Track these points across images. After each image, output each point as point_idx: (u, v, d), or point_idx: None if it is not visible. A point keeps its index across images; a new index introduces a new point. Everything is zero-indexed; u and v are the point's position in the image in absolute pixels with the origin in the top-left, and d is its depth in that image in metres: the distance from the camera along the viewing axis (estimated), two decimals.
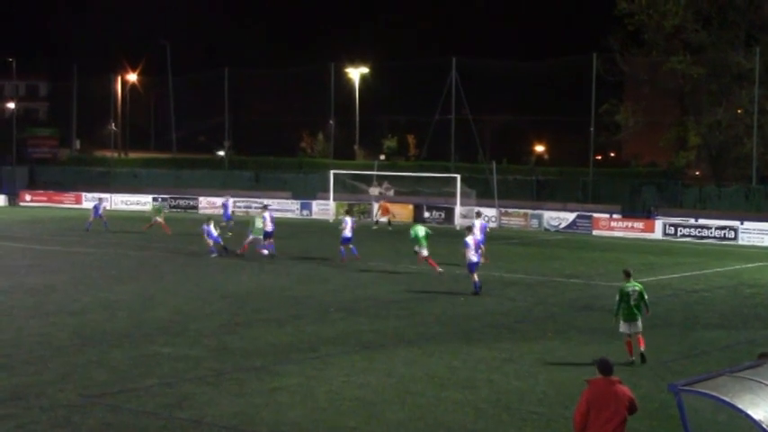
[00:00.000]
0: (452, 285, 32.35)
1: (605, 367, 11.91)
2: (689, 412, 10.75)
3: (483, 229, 38.35)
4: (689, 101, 71.10)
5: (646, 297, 20.92)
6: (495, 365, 20.22)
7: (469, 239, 30.96)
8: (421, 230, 35.44)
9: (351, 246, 38.62)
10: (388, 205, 58.48)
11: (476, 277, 30.57)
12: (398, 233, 49.13)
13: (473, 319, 26.17)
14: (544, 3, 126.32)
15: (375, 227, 55.65)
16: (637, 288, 20.72)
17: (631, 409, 11.75)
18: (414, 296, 30.14)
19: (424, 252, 35.15)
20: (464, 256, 30.91)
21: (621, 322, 20.63)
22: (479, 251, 31.43)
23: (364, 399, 17.28)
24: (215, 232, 40.04)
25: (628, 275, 21.02)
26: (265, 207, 42.80)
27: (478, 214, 41.97)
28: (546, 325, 25.35)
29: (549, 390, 18.17)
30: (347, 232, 38.50)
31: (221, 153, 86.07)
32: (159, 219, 50.19)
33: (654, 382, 18.55)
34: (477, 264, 30.81)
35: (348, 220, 39.08)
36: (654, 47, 68.66)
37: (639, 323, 20.58)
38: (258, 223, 39.49)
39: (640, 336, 20.60)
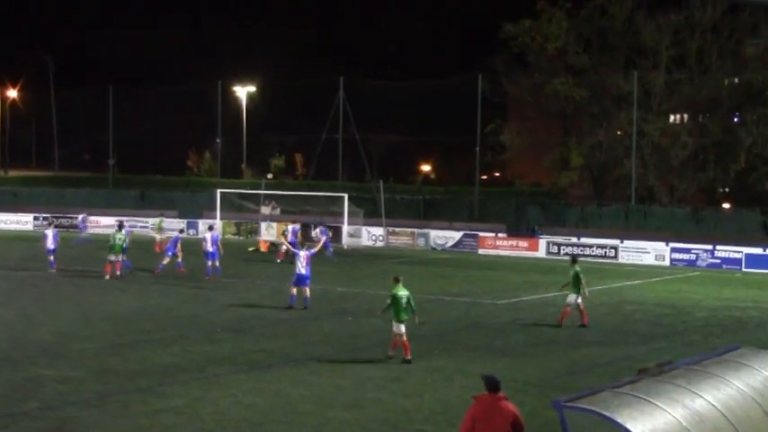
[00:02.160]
0: (340, 304, 32.35)
1: (492, 384, 12.04)
2: (572, 427, 10.97)
3: (215, 240, 39.12)
4: (571, 122, 72.79)
5: (413, 304, 22.91)
6: (383, 384, 20.28)
7: (302, 253, 31.11)
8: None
9: (216, 263, 38.56)
10: (267, 244, 56.87)
11: (307, 292, 30.66)
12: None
13: (360, 337, 26.21)
14: (431, 24, 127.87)
15: (251, 248, 54.84)
16: (405, 294, 22.80)
17: (516, 425, 11.86)
18: (301, 315, 30.04)
19: None
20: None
21: (394, 322, 22.71)
22: (309, 265, 31.30)
23: (251, 419, 17.14)
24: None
25: (397, 281, 23.24)
26: (121, 225, 42.10)
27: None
28: (433, 343, 25.52)
29: (436, 407, 18.30)
30: (209, 247, 38.55)
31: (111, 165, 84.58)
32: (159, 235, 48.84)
33: (538, 398, 18.83)
34: (307, 277, 30.84)
35: (208, 236, 39.47)
36: (537, 69, 70.14)
37: (404, 327, 22.61)
38: (115, 240, 38.89)
39: (406, 341, 22.64)
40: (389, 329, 22.82)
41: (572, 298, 28.95)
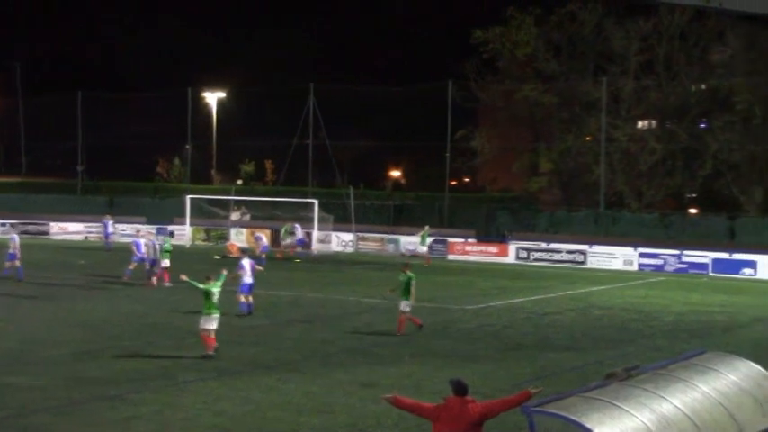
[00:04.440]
0: (309, 311, 32.35)
1: (459, 388, 12.12)
2: None
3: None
4: (541, 128, 73.11)
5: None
6: (352, 390, 20.30)
7: (245, 262, 31.38)
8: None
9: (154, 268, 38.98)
10: (236, 247, 56.98)
11: (250, 299, 31.01)
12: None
13: (330, 343, 26.22)
14: (402, 30, 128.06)
15: (217, 257, 54.51)
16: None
17: (483, 418, 11.95)
18: (271, 322, 30.01)
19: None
20: (239, 278, 31.00)
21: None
22: (254, 273, 31.65)
23: (221, 426, 17.12)
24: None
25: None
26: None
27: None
28: (402, 349, 25.57)
29: (405, 413, 18.31)
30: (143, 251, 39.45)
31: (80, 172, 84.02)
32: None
33: None
34: (253, 285, 31.16)
35: (141, 242, 40.05)
36: (507, 75, 70.45)
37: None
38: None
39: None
40: (359, 335, 22.85)
41: (403, 304, 27.99)
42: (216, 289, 24.32)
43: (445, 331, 29.22)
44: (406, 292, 27.93)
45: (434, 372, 22.39)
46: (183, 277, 25.87)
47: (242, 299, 30.88)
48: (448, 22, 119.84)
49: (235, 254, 53.16)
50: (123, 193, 76.29)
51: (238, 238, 61.04)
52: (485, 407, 12.05)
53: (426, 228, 54.81)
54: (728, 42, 62.02)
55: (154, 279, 38.69)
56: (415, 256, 52.84)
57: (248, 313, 30.63)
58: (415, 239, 55.62)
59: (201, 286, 24.24)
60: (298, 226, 55.48)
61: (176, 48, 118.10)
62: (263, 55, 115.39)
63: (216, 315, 24.04)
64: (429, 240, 54.60)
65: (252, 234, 58.52)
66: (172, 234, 52.19)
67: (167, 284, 37.80)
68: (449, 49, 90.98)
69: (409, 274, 28.12)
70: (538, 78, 69.75)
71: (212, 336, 23.82)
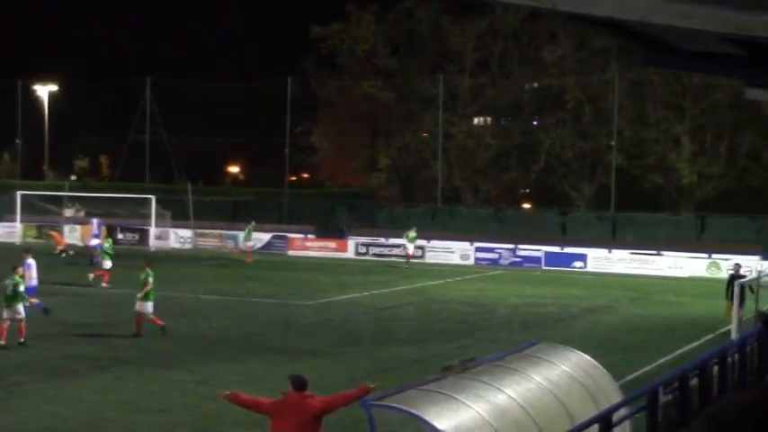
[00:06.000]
0: None
1: (298, 382, 12.14)
2: (380, 426, 11.15)
3: None
4: (380, 124, 73.62)
5: None
6: (191, 388, 20.07)
7: (31, 261, 30.88)
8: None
9: None
10: (56, 234, 55.75)
11: (35, 301, 29.39)
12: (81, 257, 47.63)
13: (169, 341, 25.84)
14: (241, 26, 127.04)
15: (63, 255, 53.10)
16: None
17: (324, 412, 12.03)
18: (107, 320, 29.39)
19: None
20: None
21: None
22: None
23: (54, 428, 16.67)
24: None
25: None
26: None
27: None
28: (242, 345, 25.43)
29: (245, 410, 18.18)
30: None
31: None
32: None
33: None
34: (35, 288, 30.11)
35: None
36: (346, 71, 70.68)
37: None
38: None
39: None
40: (198, 333, 22.57)
41: (140, 304, 26.90)
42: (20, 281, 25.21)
43: (286, 327, 29.19)
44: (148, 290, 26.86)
45: (274, 368, 22.33)
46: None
47: (34, 301, 29.27)
48: (288, 18, 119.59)
49: (61, 246, 52.10)
50: None
51: (72, 234, 59.48)
52: (324, 402, 12.09)
53: (252, 223, 54.57)
54: (560, 42, 63.81)
55: (91, 276, 38.03)
56: (243, 252, 53.10)
57: (44, 310, 28.79)
58: (255, 235, 55.26)
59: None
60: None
61: (4, 39, 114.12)
62: (99, 48, 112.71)
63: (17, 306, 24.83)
64: (253, 235, 54.34)
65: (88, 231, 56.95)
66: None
67: (105, 285, 37.38)
68: (289, 46, 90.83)
69: (148, 270, 27.19)
70: (376, 75, 70.28)
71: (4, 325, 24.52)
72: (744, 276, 29.76)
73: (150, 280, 27.03)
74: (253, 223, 54.35)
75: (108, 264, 38.12)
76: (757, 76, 10.62)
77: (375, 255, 55.73)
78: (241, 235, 58.28)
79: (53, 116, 77.23)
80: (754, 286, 28.00)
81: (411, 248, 52.38)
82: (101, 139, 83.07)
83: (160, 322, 26.88)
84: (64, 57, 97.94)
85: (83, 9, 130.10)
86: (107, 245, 39.49)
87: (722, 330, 28.82)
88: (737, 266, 32.14)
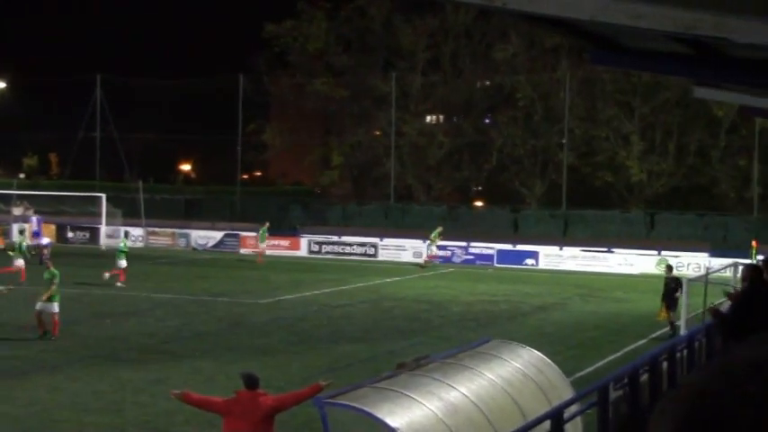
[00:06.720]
0: (98, 308, 31.52)
1: (250, 381, 12.11)
2: (332, 424, 11.15)
3: None
4: (332, 122, 73.66)
5: None
6: (143, 387, 19.93)
7: None
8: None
9: None
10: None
11: None
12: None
13: (119, 341, 25.62)
14: (192, 22, 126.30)
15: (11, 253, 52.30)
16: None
17: (276, 410, 12.01)
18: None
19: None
20: None
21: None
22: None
23: (5, 430, 16.47)
24: None
25: None
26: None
27: None
28: (194, 344, 25.30)
29: (197, 409, 18.11)
30: None
31: None
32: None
33: None
34: None
35: None
36: (299, 69, 70.58)
37: None
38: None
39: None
40: (150, 332, 22.41)
41: (42, 304, 25.81)
42: None
43: (238, 325, 29.08)
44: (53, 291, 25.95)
45: (227, 366, 22.22)
46: None
47: None
48: (240, 15, 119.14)
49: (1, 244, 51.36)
50: None
51: (23, 234, 58.61)
52: (276, 400, 12.08)
53: (267, 224, 53.07)
54: (511, 41, 64.15)
55: (106, 275, 37.42)
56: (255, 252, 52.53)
57: None
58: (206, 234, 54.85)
59: None
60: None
61: None
62: (48, 44, 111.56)
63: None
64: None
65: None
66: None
67: (120, 284, 36.90)
68: (241, 43, 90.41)
69: (54, 271, 26.31)
70: (329, 72, 70.25)
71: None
72: (677, 278, 29.68)
73: (56, 281, 26.03)
74: (267, 224, 52.67)
75: (123, 263, 37.59)
76: (705, 74, 10.74)
77: (328, 253, 55.64)
78: (194, 233, 57.98)
79: (1, 114, 76.20)
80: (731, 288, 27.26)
81: (434, 249, 51.42)
82: (50, 136, 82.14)
83: (55, 330, 25.51)
84: (12, 54, 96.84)
85: (32, 6, 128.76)
86: (122, 244, 39.00)
87: (655, 335, 28.77)
88: (669, 268, 31.44)
